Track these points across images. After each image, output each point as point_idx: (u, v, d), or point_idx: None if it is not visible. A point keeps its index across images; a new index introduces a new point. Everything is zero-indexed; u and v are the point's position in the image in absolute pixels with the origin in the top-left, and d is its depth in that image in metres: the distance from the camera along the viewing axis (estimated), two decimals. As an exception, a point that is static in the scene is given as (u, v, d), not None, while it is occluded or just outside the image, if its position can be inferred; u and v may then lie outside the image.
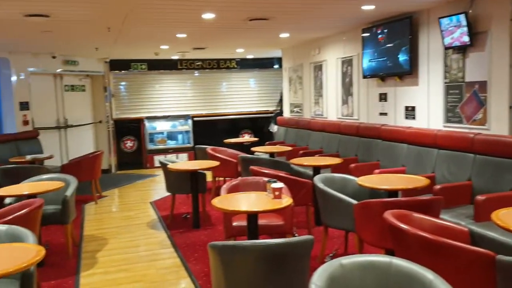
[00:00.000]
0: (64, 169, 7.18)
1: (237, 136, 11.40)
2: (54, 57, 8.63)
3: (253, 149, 7.63)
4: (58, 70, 9.16)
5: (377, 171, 5.44)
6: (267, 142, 9.03)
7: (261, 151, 7.46)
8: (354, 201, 4.09)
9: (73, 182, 5.13)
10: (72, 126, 9.64)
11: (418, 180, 4.39)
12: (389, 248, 3.70)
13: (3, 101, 8.12)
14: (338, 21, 6.40)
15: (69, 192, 4.90)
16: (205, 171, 6.04)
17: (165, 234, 5.69)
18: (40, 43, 7.35)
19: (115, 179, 9.59)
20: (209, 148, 7.59)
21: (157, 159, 10.91)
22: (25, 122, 8.25)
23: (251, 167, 5.51)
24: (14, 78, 8.06)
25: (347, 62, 7.27)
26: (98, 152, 7.53)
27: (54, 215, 4.82)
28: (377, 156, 6.25)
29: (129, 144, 10.87)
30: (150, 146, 10.94)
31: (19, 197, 4.57)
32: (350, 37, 7.13)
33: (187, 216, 6.36)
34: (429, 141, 5.38)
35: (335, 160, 5.86)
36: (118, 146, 10.69)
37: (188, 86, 11.38)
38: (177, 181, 6.06)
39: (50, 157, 7.25)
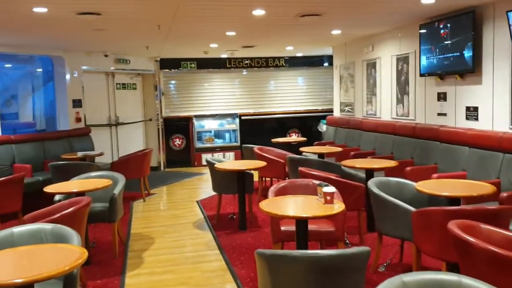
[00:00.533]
0: (113, 166, 7.26)
1: (284, 136, 11.21)
2: (106, 56, 8.78)
3: (301, 149, 7.41)
4: (111, 69, 9.32)
5: (435, 175, 5.09)
6: (316, 142, 8.78)
7: (310, 151, 7.23)
8: (412, 208, 3.80)
9: (121, 180, 5.12)
10: (123, 123, 9.80)
11: (483, 187, 4.03)
12: (451, 261, 3.40)
13: (57, 98, 8.35)
14: (394, 16, 6.07)
15: (117, 190, 4.89)
16: (252, 171, 5.90)
17: (211, 235, 5.59)
18: (92, 41, 7.48)
19: (164, 177, 9.65)
20: (256, 148, 7.45)
21: (205, 157, 10.93)
22: (78, 119, 8.44)
23: (300, 168, 5.30)
24: (68, 76, 8.26)
25: (402, 60, 6.90)
26: (147, 150, 7.57)
27: (101, 213, 4.83)
28: (435, 159, 5.87)
29: (177, 142, 10.93)
30: (198, 144, 10.96)
31: (68, 195, 4.59)
32: (406, 33, 6.76)
33: (233, 216, 6.24)
34: (494, 144, 4.97)
35: (390, 163, 5.54)
36: (167, 144, 10.77)
37: (236, 85, 11.31)
38: (224, 180, 5.95)
39: (101, 154, 7.36)
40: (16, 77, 10.91)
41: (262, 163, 5.95)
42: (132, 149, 9.79)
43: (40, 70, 10.31)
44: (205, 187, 8.61)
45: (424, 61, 6.18)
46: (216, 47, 8.65)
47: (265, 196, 7.26)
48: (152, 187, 8.28)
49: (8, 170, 6.89)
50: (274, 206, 3.60)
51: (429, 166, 5.75)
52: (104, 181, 4.84)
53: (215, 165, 5.74)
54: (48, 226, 3.15)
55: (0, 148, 6.87)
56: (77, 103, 8.43)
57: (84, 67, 8.60)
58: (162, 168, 10.60)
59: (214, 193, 7.21)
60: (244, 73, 11.30)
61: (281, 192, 4.34)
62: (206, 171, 10.31)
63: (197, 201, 7.34)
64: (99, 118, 9.22)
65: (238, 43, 8.26)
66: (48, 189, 4.53)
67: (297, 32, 7.04)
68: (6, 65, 10.15)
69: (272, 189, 4.35)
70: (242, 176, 5.70)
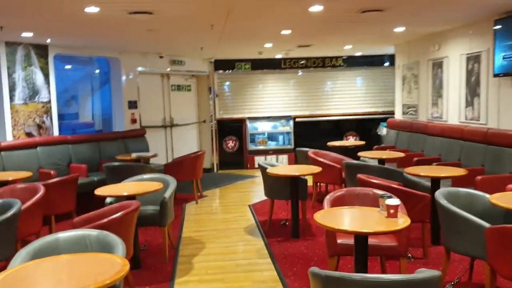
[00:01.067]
0: (166, 168, 7.21)
1: (340, 139, 10.80)
2: (161, 57, 8.80)
3: (360, 154, 7.01)
4: (166, 70, 9.35)
5: (511, 186, 4.58)
6: (376, 147, 8.32)
7: (369, 156, 6.82)
8: (486, 224, 3.38)
9: (172, 184, 5.00)
10: (177, 125, 9.81)
11: None
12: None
13: (113, 99, 8.46)
14: (464, 12, 5.57)
15: (168, 194, 4.77)
16: (306, 177, 5.61)
17: (263, 242, 5.36)
18: (147, 43, 7.49)
19: (216, 179, 9.55)
20: (310, 151, 7.14)
21: (258, 160, 10.76)
22: (133, 121, 8.50)
23: (359, 175, 4.96)
24: (123, 78, 8.33)
25: (473, 59, 6.34)
26: (200, 152, 7.47)
27: (152, 217, 4.72)
28: (510, 167, 5.31)
29: (230, 144, 10.81)
30: (251, 147, 10.79)
31: (119, 198, 4.53)
32: (478, 30, 6.20)
33: (286, 223, 5.99)
34: None
35: (458, 171, 5.06)
36: (220, 146, 10.69)
37: (291, 86, 11.03)
38: (276, 186, 5.71)
39: (154, 155, 7.34)
40: (76, 78, 11.24)
41: (317, 169, 5.64)
42: (186, 151, 9.78)
43: (99, 71, 10.56)
44: (257, 191, 8.41)
45: (498, 60, 5.62)
46: (270, 47, 8.43)
47: (319, 202, 7.01)
48: (204, 189, 8.18)
49: (65, 170, 7.01)
50: (330, 218, 3.30)
51: (503, 176, 5.21)
52: (155, 185, 4.73)
53: (268, 170, 5.51)
54: (94, 233, 3.04)
55: (58, 148, 7.00)
56: (132, 105, 8.50)
57: (140, 69, 8.66)
58: (215, 170, 10.52)
59: (266, 197, 7.03)
60: (299, 73, 11.00)
61: (337, 202, 4.03)
62: (259, 174, 10.08)
63: (249, 205, 7.14)
64: (154, 120, 9.27)
65: (294, 42, 7.98)
66: (99, 191, 4.48)
67: (357, 29, 6.67)
68: (67, 66, 10.46)
69: (328, 198, 4.04)
70: (296, 182, 5.42)
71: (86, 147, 7.46)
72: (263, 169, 5.83)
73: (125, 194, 4.41)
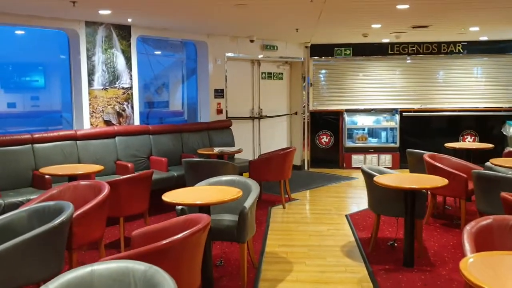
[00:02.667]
0: (251, 165, 6.35)
1: (456, 139, 9.21)
2: (252, 41, 7.92)
3: (492, 161, 5.55)
4: (257, 56, 8.47)
5: None
6: (507, 151, 6.74)
7: (506, 165, 5.34)
8: None
9: (255, 190, 4.08)
10: (266, 117, 8.92)
11: None
12: None
13: (199, 87, 7.76)
14: None
15: (249, 202, 3.86)
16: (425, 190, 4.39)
17: (365, 269, 4.25)
18: (237, 24, 6.64)
19: (307, 178, 8.53)
20: (426, 155, 5.82)
21: (355, 158, 9.54)
22: (219, 111, 7.75)
23: (504, 194, 3.64)
24: (210, 64, 7.58)
25: None
26: (290, 149, 6.48)
27: (228, 231, 3.85)
28: None
29: (324, 139, 9.70)
30: (348, 143, 9.58)
31: (191, 206, 3.70)
32: None
33: (394, 244, 4.82)
34: None
35: None
36: (312, 141, 9.63)
37: (397, 75, 9.61)
38: (385, 198, 4.55)
39: (239, 151, 6.49)
40: (167, 64, 10.82)
41: (442, 181, 4.36)
42: (274, 146, 8.87)
43: (189, 57, 9.99)
44: (355, 197, 7.25)
45: None
46: (379, 28, 7.15)
47: (434, 217, 5.70)
48: (293, 190, 7.21)
49: (145, 162, 6.43)
50: (490, 274, 2.13)
51: None
52: (233, 191, 3.83)
53: (375, 179, 4.36)
54: (141, 267, 2.19)
55: (137, 139, 6.42)
56: (219, 93, 7.74)
57: (229, 54, 7.86)
58: (305, 167, 9.49)
59: (367, 206, 5.93)
60: (408, 61, 9.54)
61: (483, 237, 2.82)
62: (357, 175, 8.93)
63: (346, 216, 6.03)
64: (241, 110, 8.46)
65: (408, 22, 6.65)
66: (167, 197, 3.68)
67: (492, 4, 5.22)
68: (156, 52, 10.03)
69: (468, 230, 2.84)
70: (412, 197, 4.23)
71: (168, 138, 6.82)
72: (368, 176, 4.70)
73: (198, 203, 3.55)
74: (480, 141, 9.16)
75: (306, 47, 9.23)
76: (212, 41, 7.55)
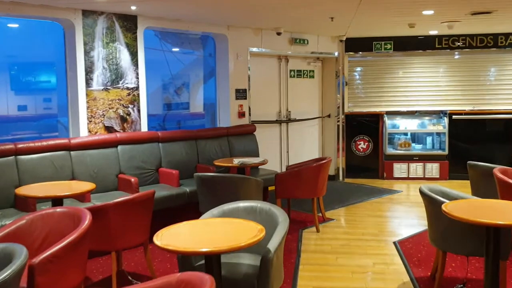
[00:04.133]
0: (278, 180, 5.30)
1: (516, 145, 7.97)
2: (279, 34, 6.87)
3: None
4: (285, 52, 7.42)
5: None
6: None
7: None
8: None
9: (282, 224, 3.04)
10: (295, 120, 7.86)
11: None
12: None
13: (218, 87, 6.77)
14: None
15: (274, 244, 2.82)
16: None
17: (432, 329, 3.16)
18: (261, 13, 5.62)
19: (342, 191, 7.42)
20: (497, 170, 4.63)
21: (397, 167, 8.38)
22: (241, 114, 6.74)
23: None
24: (231, 60, 6.58)
25: None
26: (325, 160, 5.39)
27: (247, 281, 2.82)
28: None
29: (362, 145, 8.57)
30: (389, 150, 8.42)
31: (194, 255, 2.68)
32: None
33: (464, 287, 3.70)
34: None
35: None
36: (348, 147, 8.51)
37: (445, 72, 8.39)
38: (455, 232, 3.44)
39: (263, 163, 5.43)
40: (188, 62, 9.88)
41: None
42: (304, 154, 7.84)
43: (211, 54, 9.02)
44: (403, 217, 6.11)
45: None
46: (430, 16, 6.00)
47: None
48: (327, 207, 6.15)
49: (153, 175, 5.48)
50: None
51: None
52: (252, 229, 2.79)
53: (445, 207, 3.24)
54: None
55: (144, 148, 5.47)
56: (241, 94, 6.73)
57: (252, 49, 6.83)
58: (340, 177, 8.38)
59: (418, 230, 4.84)
60: (458, 56, 8.30)
61: None
62: (399, 186, 7.79)
63: (394, 243, 4.91)
64: (266, 113, 7.43)
65: (468, 6, 5.48)
66: (160, 240, 2.66)
67: None
68: (174, 49, 9.11)
69: None
70: (497, 234, 3.10)
71: (181, 146, 5.85)
72: (431, 201, 3.59)
73: (204, 250, 2.52)
74: (546, 148, 7.87)
75: (341, 41, 8.12)
76: (232, 34, 6.55)
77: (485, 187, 5.06)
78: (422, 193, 3.74)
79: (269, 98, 7.48)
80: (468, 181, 7.68)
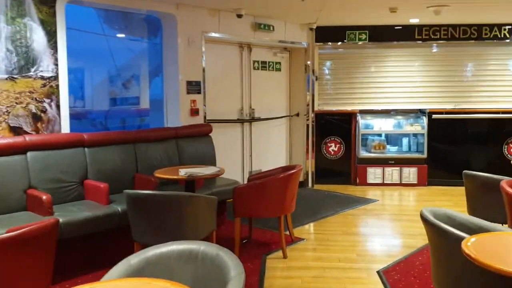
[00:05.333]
0: (237, 195, 4.25)
1: (499, 147, 7.24)
2: (240, 16, 5.80)
3: None
4: (249, 39, 6.36)
5: None
6: None
7: None
8: None
9: (236, 282, 1.98)
10: (259, 119, 6.82)
11: None
12: None
13: (166, 79, 5.64)
14: None
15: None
16: None
17: None
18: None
19: (312, 201, 6.46)
20: (504, 182, 3.73)
21: (371, 172, 7.49)
22: (194, 112, 5.63)
23: None
24: (180, 46, 5.46)
25: None
26: (294, 170, 4.37)
27: None
28: None
29: (333, 147, 7.63)
30: (362, 153, 7.53)
31: None
32: None
33: None
34: None
35: None
36: (318, 150, 7.56)
37: (425, 67, 7.57)
38: (475, 280, 2.48)
39: (218, 174, 4.33)
40: (139, 50, 8.66)
41: None
42: (270, 157, 6.84)
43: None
44: (382, 233, 5.19)
45: None
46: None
47: None
48: (295, 220, 5.19)
49: (75, 190, 4.31)
50: None
51: None
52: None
53: (466, 247, 2.26)
54: None
55: (65, 156, 4.29)
56: (194, 87, 5.63)
57: (208, 34, 5.74)
58: (309, 183, 7.42)
59: (404, 254, 3.94)
60: (439, 49, 7.49)
61: None
62: (374, 194, 6.91)
63: (378, 273, 3.95)
64: (226, 111, 6.36)
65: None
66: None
67: None
68: (119, 35, 7.89)
69: None
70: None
71: (114, 152, 4.69)
72: (441, 234, 2.62)
73: None
74: (532, 151, 7.17)
75: (311, 29, 7.13)
76: (183, 15, 5.43)
77: (486, 203, 4.19)
78: (426, 221, 2.77)
79: (229, 93, 6.41)
80: (450, 188, 6.88)
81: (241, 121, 6.58)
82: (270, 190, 4.26)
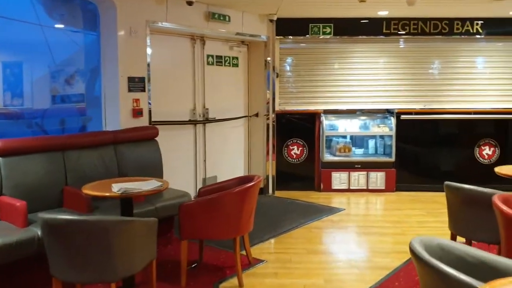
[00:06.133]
0: (183, 213, 3.56)
1: (471, 150, 6.87)
2: (190, 4, 5.08)
3: None
4: (202, 30, 5.64)
5: None
6: None
7: None
8: None
9: None
10: (214, 120, 6.12)
11: None
12: None
13: (104, 75, 4.86)
14: None
15: None
16: None
17: None
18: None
19: (272, 211, 5.84)
20: (496, 197, 3.20)
21: (336, 177, 6.95)
22: (136, 112, 4.88)
23: None
24: (120, 37, 4.69)
25: None
26: (253, 183, 3.70)
27: None
28: None
29: (295, 151, 7.04)
30: (327, 156, 6.98)
31: None
32: None
33: None
34: None
35: None
36: (279, 153, 6.95)
37: (394, 64, 7.09)
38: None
39: (160, 189, 3.59)
40: (85, 43, 7.77)
41: None
42: (227, 163, 6.22)
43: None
44: (352, 251, 4.62)
45: None
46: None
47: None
48: (254, 236, 4.56)
49: (-16, 209, 3.48)
50: None
51: None
52: None
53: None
54: None
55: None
56: (136, 85, 4.87)
57: (154, 24, 4.99)
58: (270, 190, 6.79)
59: (379, 275, 3.41)
60: (406, 45, 7.02)
61: None
62: (339, 202, 6.38)
63: (352, 306, 3.36)
64: (175, 111, 5.62)
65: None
66: None
67: None
68: (58, 25, 6.99)
69: None
70: None
71: (37, 161, 3.89)
72: (441, 278, 2.02)
73: None
74: (502, 153, 6.84)
75: (271, 21, 6.50)
76: (123, 1, 4.66)
77: (471, 219, 3.68)
78: (419, 259, 2.17)
79: (180, 91, 5.67)
80: (419, 194, 6.47)
81: (193, 122, 5.86)
82: (224, 207, 3.58)
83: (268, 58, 6.55)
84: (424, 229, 5.19)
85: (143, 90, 4.93)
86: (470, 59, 6.97)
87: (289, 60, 7.09)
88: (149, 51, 4.97)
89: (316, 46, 7.04)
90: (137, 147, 4.72)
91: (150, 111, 5.01)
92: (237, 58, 6.50)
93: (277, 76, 6.87)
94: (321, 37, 6.83)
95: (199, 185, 5.89)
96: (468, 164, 6.83)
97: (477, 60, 6.98)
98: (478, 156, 6.89)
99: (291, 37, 6.91)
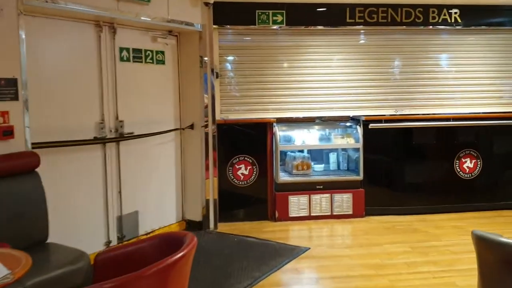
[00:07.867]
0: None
1: (450, 162, 5.76)
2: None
3: None
4: (111, 13, 4.02)
5: None
6: None
7: None
8: None
9: None
10: (132, 136, 4.50)
11: None
12: None
13: None
14: None
15: None
16: None
17: None
18: None
19: (213, 258, 4.33)
20: None
21: (294, 202, 5.58)
22: (3, 131, 3.19)
23: None
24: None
25: None
26: (181, 254, 2.19)
27: None
28: None
29: (242, 170, 5.58)
30: (282, 176, 5.60)
31: None
32: None
33: None
34: None
35: None
36: (221, 175, 5.45)
37: (358, 62, 5.85)
38: None
39: (9, 282, 1.98)
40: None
41: None
42: (152, 195, 4.64)
43: None
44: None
45: None
46: None
47: None
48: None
49: None
50: None
51: None
52: None
53: None
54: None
55: None
56: (2, 90, 3.19)
57: (30, 1, 3.33)
58: (210, 224, 5.27)
59: None
60: (371, 39, 5.80)
61: None
62: (300, 235, 5.02)
63: None
64: (70, 126, 3.96)
65: None
66: None
67: None
68: None
69: None
70: None
71: None
72: None
73: None
74: (484, 166, 5.79)
75: (207, 4, 4.99)
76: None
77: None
78: None
79: (78, 97, 4.02)
80: (393, 218, 5.32)
81: (101, 141, 4.21)
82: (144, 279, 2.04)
83: (206, 59, 5.05)
84: (416, 276, 3.92)
85: (15, 99, 3.26)
86: (449, 54, 5.87)
87: (231, 57, 5.64)
88: (24, 40, 3.31)
89: (264, 39, 5.66)
90: (5, 183, 3.05)
91: (26, 129, 3.34)
92: (162, 52, 4.93)
93: (216, 77, 5.39)
94: (272, 27, 5.44)
95: (112, 227, 4.28)
96: (448, 179, 5.72)
97: (457, 56, 5.89)
98: (459, 170, 5.78)
99: (233, 26, 5.47)
